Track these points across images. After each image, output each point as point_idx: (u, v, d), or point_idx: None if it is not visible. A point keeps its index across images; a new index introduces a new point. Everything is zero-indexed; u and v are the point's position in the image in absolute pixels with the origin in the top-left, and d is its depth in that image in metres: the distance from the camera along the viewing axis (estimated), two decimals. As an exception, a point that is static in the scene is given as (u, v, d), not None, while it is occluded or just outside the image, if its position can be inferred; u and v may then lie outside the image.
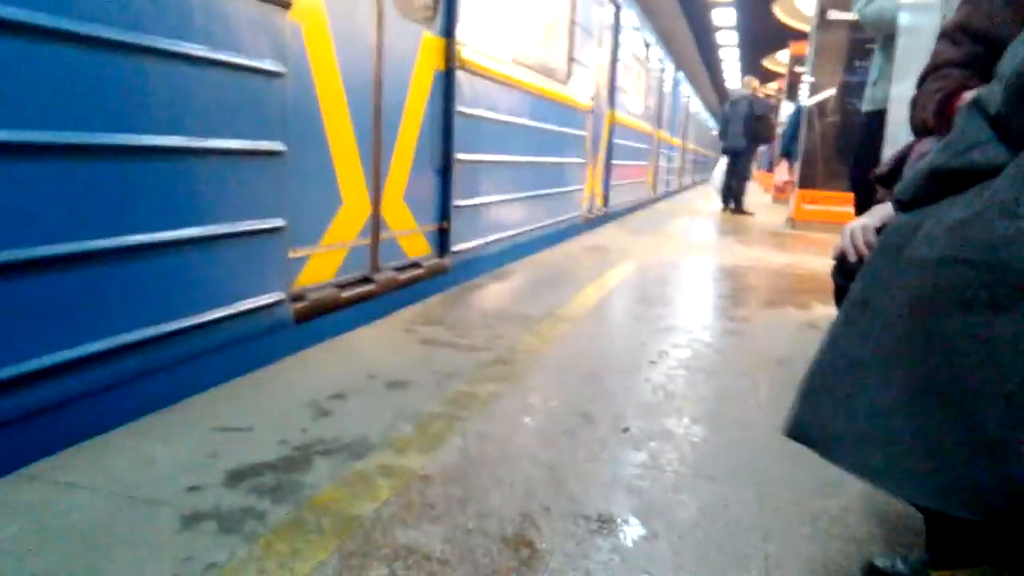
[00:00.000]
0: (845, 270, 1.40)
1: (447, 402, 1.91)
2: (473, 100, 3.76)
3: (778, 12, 13.90)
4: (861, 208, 3.54)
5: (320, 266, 2.63)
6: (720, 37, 19.60)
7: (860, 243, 1.37)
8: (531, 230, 5.05)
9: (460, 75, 3.55)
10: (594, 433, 1.75)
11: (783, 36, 14.53)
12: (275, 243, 2.28)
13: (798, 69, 10.99)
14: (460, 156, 3.65)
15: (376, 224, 2.98)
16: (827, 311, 3.28)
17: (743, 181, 9.74)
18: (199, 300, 1.99)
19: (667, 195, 13.48)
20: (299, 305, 2.43)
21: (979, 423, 0.86)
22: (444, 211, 3.62)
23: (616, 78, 7.66)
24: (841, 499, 1.46)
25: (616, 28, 7.62)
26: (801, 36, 11.79)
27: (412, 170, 3.26)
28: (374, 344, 2.43)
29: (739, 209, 9.59)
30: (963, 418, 0.88)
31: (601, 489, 1.46)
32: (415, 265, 3.33)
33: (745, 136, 9.40)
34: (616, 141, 7.88)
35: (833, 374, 1.04)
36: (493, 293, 3.41)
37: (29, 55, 1.45)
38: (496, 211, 4.33)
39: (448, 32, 3.45)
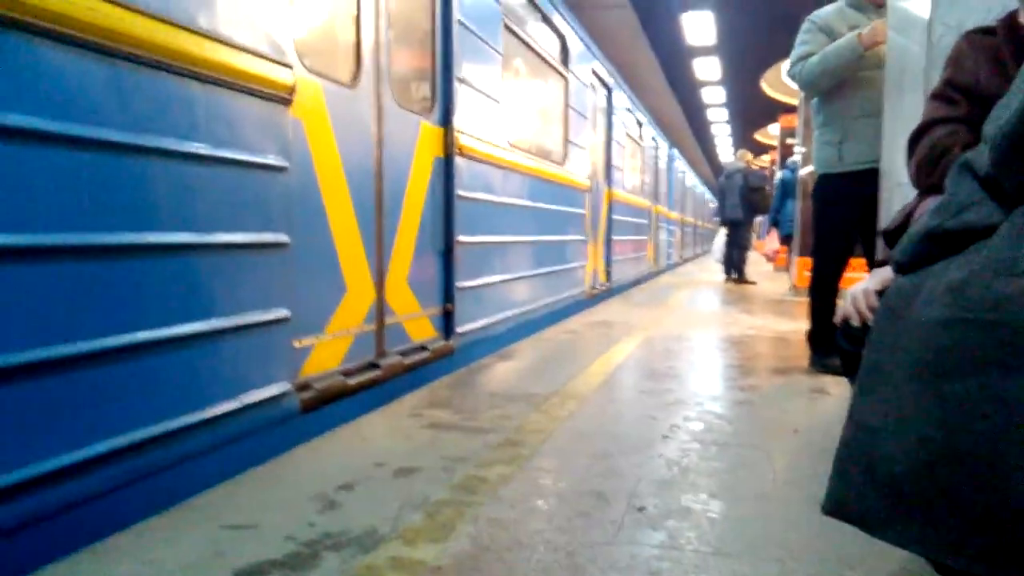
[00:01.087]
0: (850, 335, 1.40)
1: (456, 488, 1.87)
2: (472, 184, 3.84)
3: (766, 87, 14.32)
4: (818, 274, 3.55)
5: (325, 354, 2.63)
6: (711, 114, 20.12)
7: (863, 307, 1.37)
8: (535, 308, 5.07)
9: (459, 161, 3.64)
10: (609, 514, 1.71)
11: (772, 110, 14.92)
12: (280, 334, 2.29)
13: (789, 141, 11.23)
14: (461, 238, 3.71)
15: (381, 309, 3.00)
16: (837, 377, 3.24)
17: (743, 251, 9.84)
18: (205, 395, 1.99)
19: (669, 268, 13.59)
20: (305, 395, 2.42)
21: (1012, 487, 0.84)
22: (448, 293, 3.64)
23: (612, 157, 7.89)
24: (865, 572, 1.41)
25: (609, 110, 7.89)
26: (790, 109, 12.11)
27: (415, 254, 3.30)
28: (381, 431, 2.40)
29: (741, 278, 9.64)
30: (995, 482, 0.86)
31: (620, 574, 1.41)
32: (421, 348, 3.32)
33: (742, 207, 9.55)
34: (615, 217, 8.04)
35: (856, 445, 1.03)
36: (499, 373, 3.39)
37: (34, 159, 1.50)
38: (500, 291, 4.36)
39: (446, 121, 3.56)
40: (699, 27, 11.37)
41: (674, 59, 13.48)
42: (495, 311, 4.28)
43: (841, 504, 1.03)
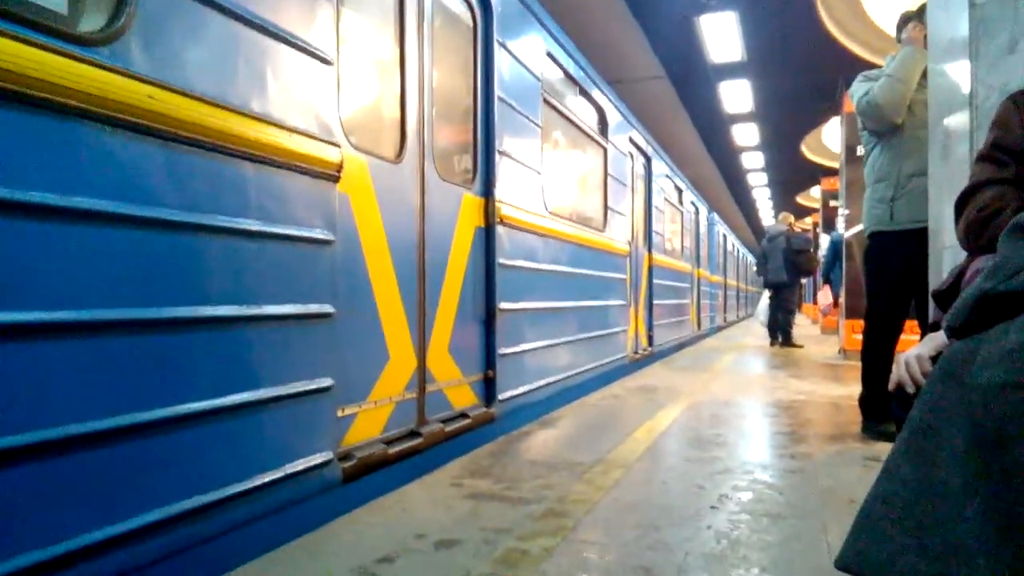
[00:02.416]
0: (905, 402, 1.36)
1: (498, 561, 1.83)
2: (513, 252, 3.88)
3: (806, 151, 14.34)
4: (871, 337, 3.46)
5: (367, 423, 2.63)
6: (751, 178, 20.14)
7: (917, 373, 1.33)
8: (577, 374, 5.04)
9: (499, 230, 3.69)
10: (656, 589, 1.65)
11: (813, 173, 14.91)
12: (324, 403, 2.30)
13: (832, 203, 11.17)
14: (503, 305, 3.73)
15: (422, 377, 3.01)
16: (891, 445, 3.13)
17: (789, 314, 9.68)
18: (249, 465, 2.00)
19: (712, 331, 13.40)
20: (347, 464, 2.42)
21: None
22: (489, 360, 3.65)
23: (652, 222, 7.94)
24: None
25: (648, 177, 7.98)
26: (831, 172, 12.08)
27: (456, 322, 3.32)
28: (422, 501, 2.38)
29: (787, 342, 9.46)
30: None
31: (668, 653, 1.35)
32: (462, 416, 3.31)
33: (786, 270, 9.45)
34: (656, 282, 8.03)
35: (898, 504, 0.98)
36: (541, 441, 3.34)
37: (97, 238, 1.56)
38: (541, 357, 4.35)
39: (487, 192, 3.63)
40: (736, 95, 11.50)
41: (712, 126, 13.61)
42: (536, 377, 4.26)
43: (866, 560, 0.98)
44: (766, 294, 10.71)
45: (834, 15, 7.54)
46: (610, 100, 6.19)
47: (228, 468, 1.92)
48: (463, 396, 3.40)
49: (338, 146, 2.38)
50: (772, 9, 7.93)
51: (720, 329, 14.86)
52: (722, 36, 8.80)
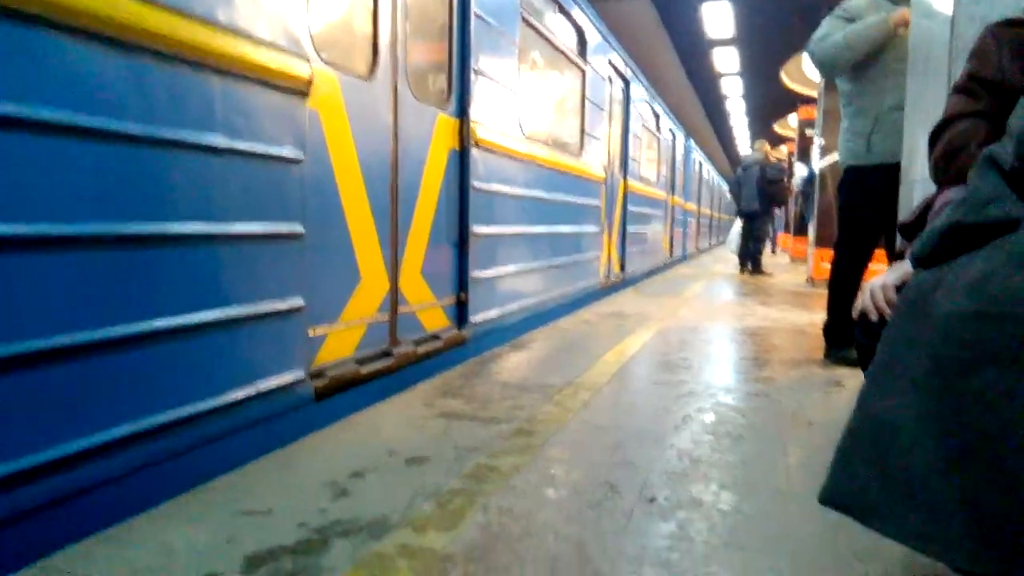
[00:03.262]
0: (868, 329, 1.39)
1: (467, 477, 1.87)
2: (488, 176, 3.84)
3: (785, 79, 14.19)
4: (840, 267, 3.52)
5: (339, 343, 2.64)
6: (730, 105, 19.97)
7: (881, 302, 1.36)
8: (549, 299, 5.08)
9: (475, 153, 3.64)
10: (620, 504, 1.71)
11: (791, 101, 14.80)
12: (295, 322, 2.30)
13: (808, 132, 11.14)
14: (476, 229, 3.71)
15: (394, 299, 3.01)
16: (853, 369, 3.22)
17: (759, 243, 9.78)
18: (220, 382, 2.01)
19: (684, 259, 13.51)
20: (319, 383, 2.43)
21: (1019, 485, 0.83)
22: (462, 283, 3.65)
23: (628, 148, 7.85)
24: (880, 564, 1.40)
25: (626, 102, 7.85)
26: (809, 100, 12.01)
27: (429, 245, 3.30)
28: (393, 419, 2.41)
29: (757, 270, 9.59)
30: (1005, 478, 0.85)
31: (629, 564, 1.41)
32: (434, 338, 3.33)
33: (759, 199, 9.50)
34: (630, 209, 8.04)
35: (865, 437, 1.02)
36: (512, 363, 3.39)
37: (56, 150, 1.51)
38: (514, 281, 4.37)
39: (462, 113, 3.56)
40: (718, 18, 11.27)
41: (693, 51, 13.38)
42: (509, 301, 4.29)
43: (841, 494, 1.02)
44: (738, 222, 10.77)
45: (821, -63, 7.34)
46: (590, 20, 6.01)
47: (199, 385, 1.93)
48: (435, 318, 3.42)
49: (307, 60, 2.30)
50: (759, -72, 7.70)
51: (693, 256, 14.99)
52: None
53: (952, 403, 0.91)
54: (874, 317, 1.35)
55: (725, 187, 24.43)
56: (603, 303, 6.02)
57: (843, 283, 3.46)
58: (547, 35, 4.99)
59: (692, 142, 14.31)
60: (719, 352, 3.83)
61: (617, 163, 7.51)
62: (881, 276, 1.41)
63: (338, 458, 2.01)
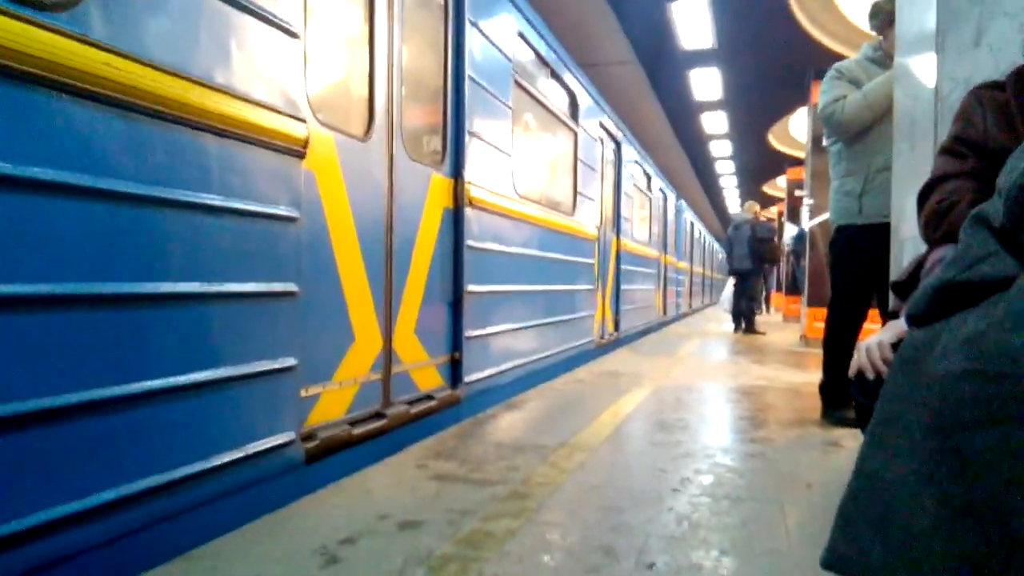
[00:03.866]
0: (865, 388, 1.38)
1: (461, 542, 1.83)
2: (481, 234, 3.87)
3: (773, 140, 14.49)
4: (834, 326, 3.51)
5: (331, 403, 2.61)
6: (719, 166, 20.31)
7: (877, 360, 1.35)
8: (543, 357, 5.06)
9: (468, 212, 3.68)
10: (617, 571, 1.66)
11: (779, 162, 15.08)
12: (287, 382, 2.27)
13: (797, 193, 11.32)
14: (470, 288, 3.72)
15: (388, 358, 2.99)
16: (851, 430, 3.19)
17: (752, 301, 9.82)
18: (209, 444, 1.97)
19: (677, 318, 13.52)
20: (310, 445, 2.39)
21: (1021, 543, 0.82)
22: (456, 342, 3.64)
23: (620, 208, 7.97)
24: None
25: (618, 162, 8.00)
26: (797, 162, 12.24)
27: (423, 303, 3.30)
28: (386, 482, 2.37)
29: (751, 329, 9.60)
30: (1008, 538, 0.83)
31: (628, 633, 1.36)
32: (427, 398, 3.30)
33: (751, 258, 9.58)
34: (623, 267, 8.08)
35: (865, 498, 1.00)
36: (507, 423, 3.35)
37: (51, 210, 1.51)
38: (508, 340, 4.36)
39: (456, 173, 3.61)
40: (706, 82, 11.56)
41: (682, 113, 13.68)
42: (503, 361, 4.27)
43: (842, 557, 1.00)
44: (731, 281, 10.82)
45: (804, 6, 7.61)
46: (581, 83, 6.17)
47: (188, 447, 1.89)
48: (429, 378, 3.39)
49: (304, 121, 2.33)
50: (744, -3, 7.97)
51: (686, 315, 15.00)
52: (694, 22, 8.83)
53: (952, 463, 0.90)
54: (871, 375, 1.35)
55: (717, 246, 24.67)
56: (597, 363, 6.00)
57: (838, 342, 3.45)
58: (539, 98, 5.10)
59: (683, 202, 14.50)
60: (715, 412, 3.80)
61: (610, 222, 7.59)
62: (876, 335, 1.41)
63: (329, 523, 1.96)
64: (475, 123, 3.79)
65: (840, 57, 4.90)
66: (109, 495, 1.65)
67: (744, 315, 9.73)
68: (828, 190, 3.66)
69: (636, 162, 9.07)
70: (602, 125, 7.10)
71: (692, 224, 16.38)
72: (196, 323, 1.92)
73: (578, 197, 6.05)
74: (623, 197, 8.05)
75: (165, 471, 1.81)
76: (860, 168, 3.40)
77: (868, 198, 3.36)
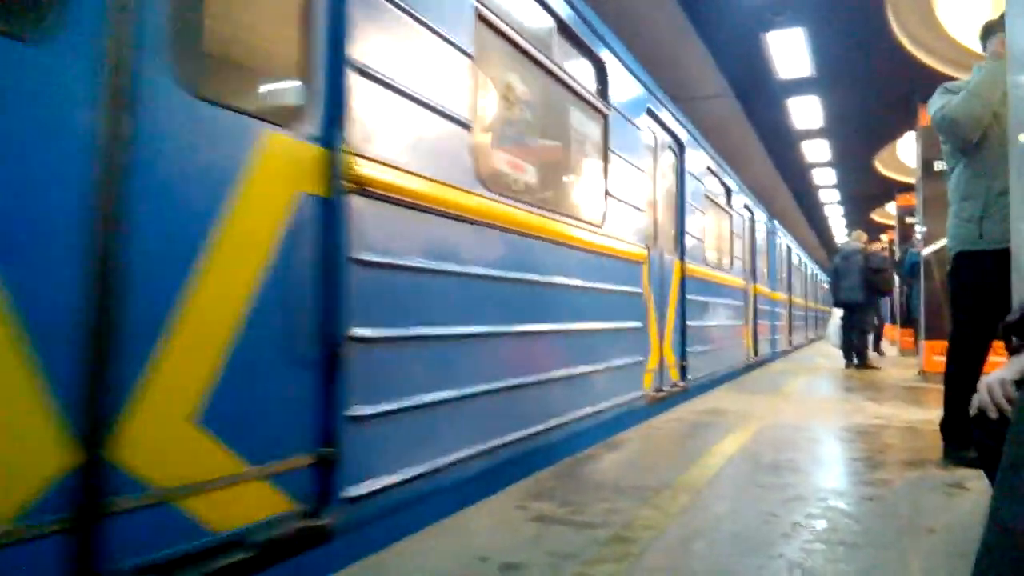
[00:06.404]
0: (987, 428, 1.30)
1: (564, 585, 1.81)
2: (386, 241, 2.42)
3: (880, 167, 13.91)
4: (956, 360, 3.28)
5: None
6: (823, 195, 19.62)
7: (1000, 398, 1.28)
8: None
9: (355, 202, 2.22)
10: (725, 619, 1.61)
11: (888, 188, 14.44)
12: None
13: (908, 220, 10.80)
14: (357, 332, 2.15)
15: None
16: (975, 471, 2.98)
17: (864, 335, 9.36)
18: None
19: (774, 356, 11.74)
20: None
21: None
22: (327, 428, 2.12)
23: (684, 222, 6.29)
24: None
25: (681, 167, 6.40)
26: (907, 188, 11.69)
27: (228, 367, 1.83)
28: (485, 523, 2.38)
29: (863, 364, 9.14)
30: None
31: None
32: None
33: (863, 289, 9.17)
34: (690, 298, 6.29)
35: (1000, 551, 0.94)
36: (606, 464, 3.30)
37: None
38: (443, 417, 2.67)
39: (329, 136, 2.12)
40: (806, 111, 11.25)
41: (781, 142, 13.35)
42: (434, 453, 2.59)
43: None
44: (836, 313, 10.30)
45: (907, 28, 7.34)
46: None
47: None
48: (255, 501, 1.89)
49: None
50: (842, 23, 7.74)
51: (785, 353, 13.86)
52: (790, 52, 8.65)
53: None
54: (993, 414, 1.27)
55: (821, 276, 23.45)
56: (699, 399, 5.83)
57: (959, 376, 3.21)
58: (525, 46, 3.44)
59: (777, 223, 13.40)
60: (827, 452, 3.63)
61: (668, 240, 5.95)
62: (999, 370, 1.33)
63: (431, 566, 1.99)
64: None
65: (947, 78, 4.68)
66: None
67: (856, 349, 9.28)
68: (942, 217, 3.48)
69: (708, 169, 7.32)
70: (652, 113, 5.48)
71: (789, 248, 15.41)
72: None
73: (610, 202, 4.43)
74: (688, 209, 6.35)
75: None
76: (979, 192, 3.23)
77: (989, 223, 3.17)
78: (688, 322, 6.15)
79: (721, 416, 4.86)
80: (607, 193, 4.40)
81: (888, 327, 15.40)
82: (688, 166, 6.42)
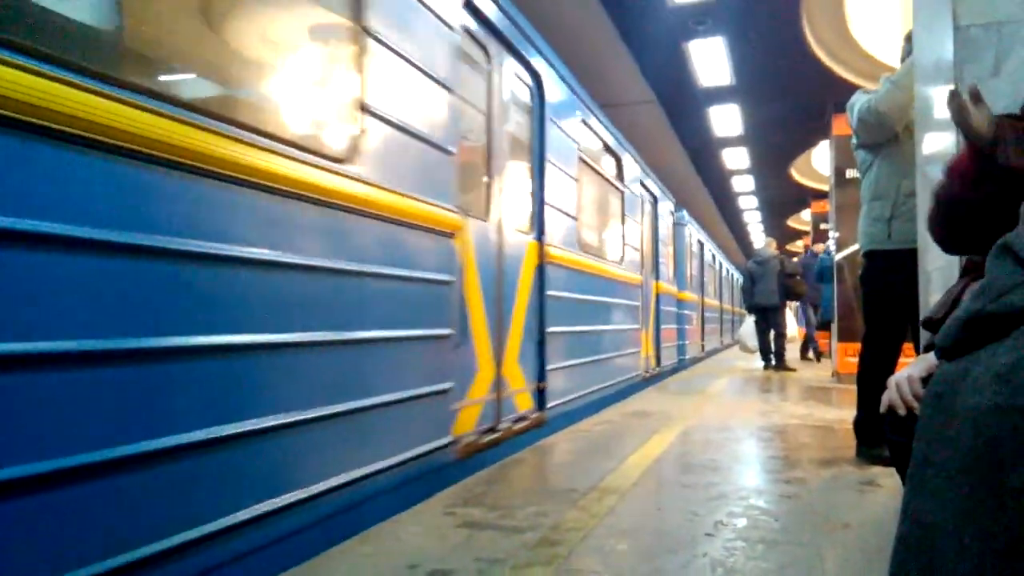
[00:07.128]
0: (897, 424, 1.35)
1: (492, 591, 1.79)
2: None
3: (795, 174, 14.44)
4: (868, 360, 3.43)
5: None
6: (742, 202, 20.22)
7: (908, 395, 1.33)
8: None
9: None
10: (651, 618, 1.62)
11: (803, 196, 15.02)
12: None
13: (823, 226, 11.24)
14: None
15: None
16: (887, 468, 3.11)
17: (781, 337, 9.67)
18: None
19: (683, 365, 10.95)
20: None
21: None
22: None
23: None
24: None
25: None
26: (821, 195, 12.17)
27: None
28: (414, 530, 2.34)
29: (780, 365, 9.45)
30: None
31: None
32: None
33: (778, 293, 9.48)
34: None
35: (914, 543, 0.97)
36: (535, 467, 3.31)
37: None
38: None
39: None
40: (726, 119, 11.58)
41: (703, 150, 13.70)
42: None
43: None
44: (749, 318, 10.62)
45: (821, 40, 7.64)
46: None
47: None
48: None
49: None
50: (761, 34, 7.99)
51: (697, 360, 14.00)
52: (711, 61, 8.88)
53: (991, 502, 0.87)
54: (902, 411, 1.32)
55: (740, 277, 24.25)
56: (625, 403, 5.92)
57: (872, 377, 3.30)
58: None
59: (687, 214, 13.66)
60: (747, 452, 3.73)
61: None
62: (906, 368, 1.39)
63: (358, 573, 1.94)
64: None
65: (857, 88, 4.89)
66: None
67: (774, 351, 9.59)
68: (854, 223, 3.59)
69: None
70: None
71: (721, 264, 16.02)
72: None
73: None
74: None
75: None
76: (890, 192, 3.34)
77: (898, 222, 3.28)
78: (549, 328, 4.60)
79: (647, 418, 4.94)
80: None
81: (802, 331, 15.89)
82: (552, 113, 4.80)
